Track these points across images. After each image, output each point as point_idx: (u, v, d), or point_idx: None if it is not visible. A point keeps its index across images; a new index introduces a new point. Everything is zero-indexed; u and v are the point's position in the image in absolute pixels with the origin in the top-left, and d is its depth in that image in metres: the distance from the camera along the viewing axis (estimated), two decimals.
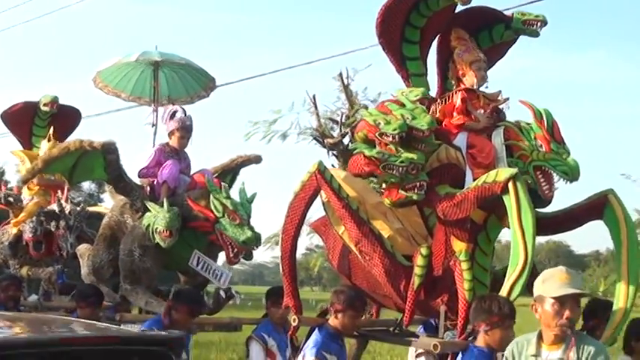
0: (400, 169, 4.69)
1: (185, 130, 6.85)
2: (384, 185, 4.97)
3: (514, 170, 4.55)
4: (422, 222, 5.52)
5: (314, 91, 17.22)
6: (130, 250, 6.47)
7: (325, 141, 16.46)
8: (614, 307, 4.73)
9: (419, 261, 4.94)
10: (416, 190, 4.79)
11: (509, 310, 4.33)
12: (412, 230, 5.44)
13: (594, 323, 5.08)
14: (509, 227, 4.95)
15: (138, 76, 7.94)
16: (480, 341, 4.37)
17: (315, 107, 16.75)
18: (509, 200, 4.48)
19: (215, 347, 14.91)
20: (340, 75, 16.66)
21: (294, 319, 5.03)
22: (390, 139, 4.68)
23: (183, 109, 7.03)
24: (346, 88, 16.80)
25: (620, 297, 4.69)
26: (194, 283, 6.71)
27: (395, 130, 4.66)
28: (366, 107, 17.01)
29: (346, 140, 16.56)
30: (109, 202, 8.87)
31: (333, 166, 16.64)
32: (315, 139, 16.59)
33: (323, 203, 5.52)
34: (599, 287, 37.08)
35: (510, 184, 4.47)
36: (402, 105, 4.82)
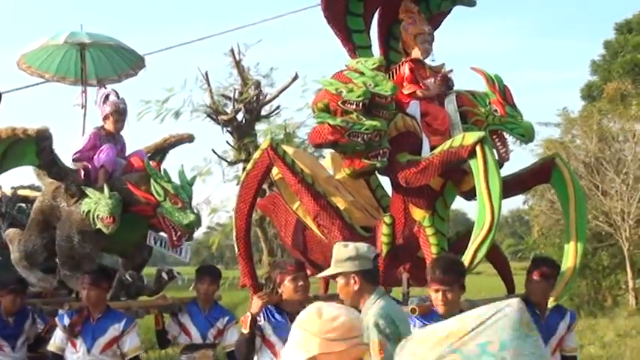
0: (365, 136, 4.69)
1: (119, 113, 6.64)
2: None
3: (481, 133, 4.64)
4: (371, 194, 5.56)
5: (206, 68, 17.08)
6: (68, 236, 6.21)
7: (219, 118, 16.36)
8: (563, 266, 4.92)
9: (384, 230, 4.94)
10: (379, 158, 4.80)
11: (442, 269, 4.21)
12: (364, 202, 5.47)
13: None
14: (463, 192, 5.11)
15: (62, 56, 7.57)
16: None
17: (208, 84, 16.61)
18: (476, 163, 4.55)
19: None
20: (232, 51, 16.59)
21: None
22: (354, 106, 4.68)
23: (116, 92, 6.80)
24: (238, 64, 16.73)
25: (570, 256, 4.89)
26: (132, 265, 6.52)
27: (359, 97, 4.66)
28: (258, 83, 16.86)
29: (240, 116, 16.45)
30: None
31: (227, 142, 16.44)
32: (208, 116, 16.44)
33: (275, 182, 5.45)
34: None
35: (478, 148, 4.53)
36: (362, 73, 4.80)
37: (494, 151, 4.85)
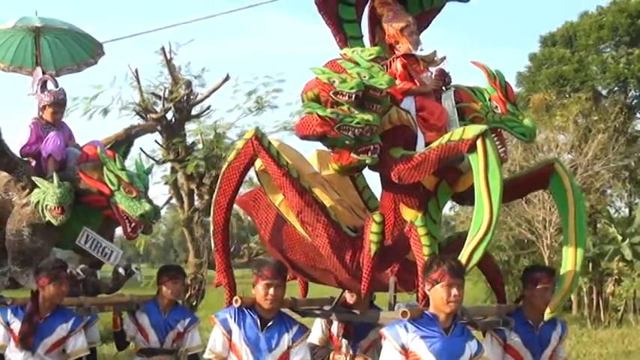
0: (355, 130, 4.39)
1: (58, 105, 6.38)
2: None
3: (483, 127, 4.35)
4: (357, 194, 5.31)
5: (136, 66, 16.69)
6: (17, 230, 5.89)
7: (148, 116, 15.97)
8: (561, 276, 4.67)
9: (373, 228, 4.64)
10: (369, 154, 4.50)
11: (451, 266, 4.08)
12: (350, 202, 5.19)
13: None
14: (457, 194, 4.90)
15: (18, 44, 7.12)
16: (432, 304, 4.14)
17: (138, 82, 16.22)
18: (477, 159, 4.26)
19: None
20: (163, 49, 16.26)
21: (236, 300, 4.59)
22: (346, 98, 4.38)
23: (55, 80, 6.51)
24: (169, 62, 16.42)
25: (568, 264, 4.63)
26: (90, 262, 6.14)
27: (352, 88, 4.37)
28: (189, 83, 16.57)
29: (169, 115, 16.15)
30: None
31: (156, 141, 16.04)
32: (138, 114, 16.00)
33: (257, 173, 5.13)
34: None
35: (479, 142, 4.25)
36: (357, 64, 4.52)
37: None
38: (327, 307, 5.37)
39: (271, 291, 4.46)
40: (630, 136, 24.46)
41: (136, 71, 16.31)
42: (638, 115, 27.09)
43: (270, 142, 4.88)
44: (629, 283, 21.11)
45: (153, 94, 16.72)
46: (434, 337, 4.05)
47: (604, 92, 26.41)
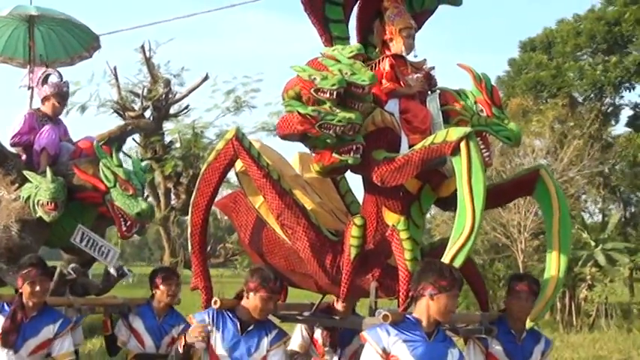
0: (337, 128, 4.29)
1: (61, 96, 6.20)
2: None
3: (467, 129, 4.27)
4: (339, 198, 5.23)
5: (115, 63, 16.67)
6: (5, 226, 5.67)
7: (126, 114, 15.92)
8: (544, 283, 4.58)
9: (354, 232, 4.55)
10: (352, 154, 4.39)
11: (460, 277, 4.04)
12: (332, 205, 5.11)
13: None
14: (440, 199, 4.83)
15: (10, 34, 6.94)
16: (420, 308, 4.00)
17: (116, 79, 16.21)
18: (460, 162, 4.18)
19: None
20: (142, 47, 16.25)
21: (215, 302, 4.49)
22: (327, 95, 4.27)
23: (59, 73, 6.34)
24: (148, 60, 16.42)
25: (552, 271, 4.55)
26: (80, 262, 5.96)
27: (333, 85, 4.26)
28: (168, 81, 16.55)
29: (147, 114, 16.11)
30: None
31: (134, 139, 15.96)
32: (115, 111, 15.96)
33: (237, 174, 5.03)
34: None
35: (463, 144, 4.17)
36: (338, 61, 4.42)
37: None
38: (306, 313, 5.29)
39: (270, 305, 4.43)
40: (605, 143, 24.67)
41: (115, 69, 16.34)
42: (613, 121, 27.32)
43: (251, 143, 4.78)
44: (602, 288, 21.24)
45: (131, 92, 16.79)
46: (416, 341, 3.95)
47: (580, 99, 26.58)
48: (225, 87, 16.41)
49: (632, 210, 27.26)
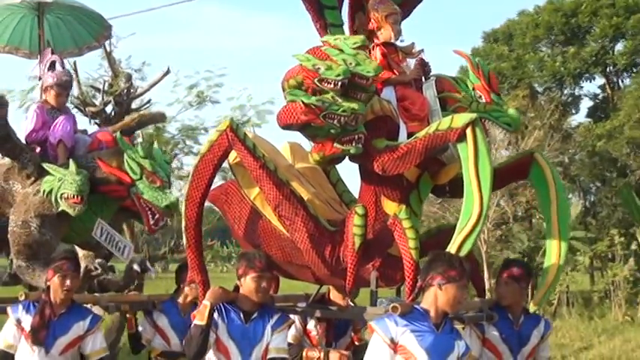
0: (342, 118, 4.23)
1: (61, 87, 5.93)
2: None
3: (473, 115, 4.23)
4: (332, 187, 5.15)
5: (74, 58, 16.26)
6: (24, 222, 5.38)
7: (87, 109, 15.57)
8: (545, 270, 4.60)
9: (357, 221, 4.45)
10: (354, 144, 4.33)
11: (469, 268, 4.01)
12: (326, 195, 5.03)
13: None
14: (438, 186, 4.79)
15: (17, 24, 6.71)
16: (428, 299, 3.96)
17: (76, 74, 15.77)
18: (466, 148, 4.15)
19: None
20: None
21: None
22: (332, 85, 4.20)
23: (62, 61, 6.10)
24: (109, 55, 16.11)
25: (552, 256, 4.56)
26: (101, 257, 5.74)
27: (338, 75, 4.19)
28: (129, 76, 16.32)
29: (109, 109, 15.86)
30: None
31: None
32: (76, 107, 15.56)
33: (231, 166, 4.91)
34: None
35: (469, 131, 4.13)
36: (341, 51, 4.33)
37: None
38: (301, 304, 5.21)
39: (263, 284, 4.38)
40: (565, 133, 24.88)
41: (75, 63, 16.00)
42: (572, 112, 27.64)
43: (245, 134, 4.68)
44: (563, 277, 21.50)
45: (92, 87, 16.49)
46: (424, 331, 3.90)
47: (540, 89, 26.81)
48: (187, 81, 16.18)
49: (592, 199, 27.58)
